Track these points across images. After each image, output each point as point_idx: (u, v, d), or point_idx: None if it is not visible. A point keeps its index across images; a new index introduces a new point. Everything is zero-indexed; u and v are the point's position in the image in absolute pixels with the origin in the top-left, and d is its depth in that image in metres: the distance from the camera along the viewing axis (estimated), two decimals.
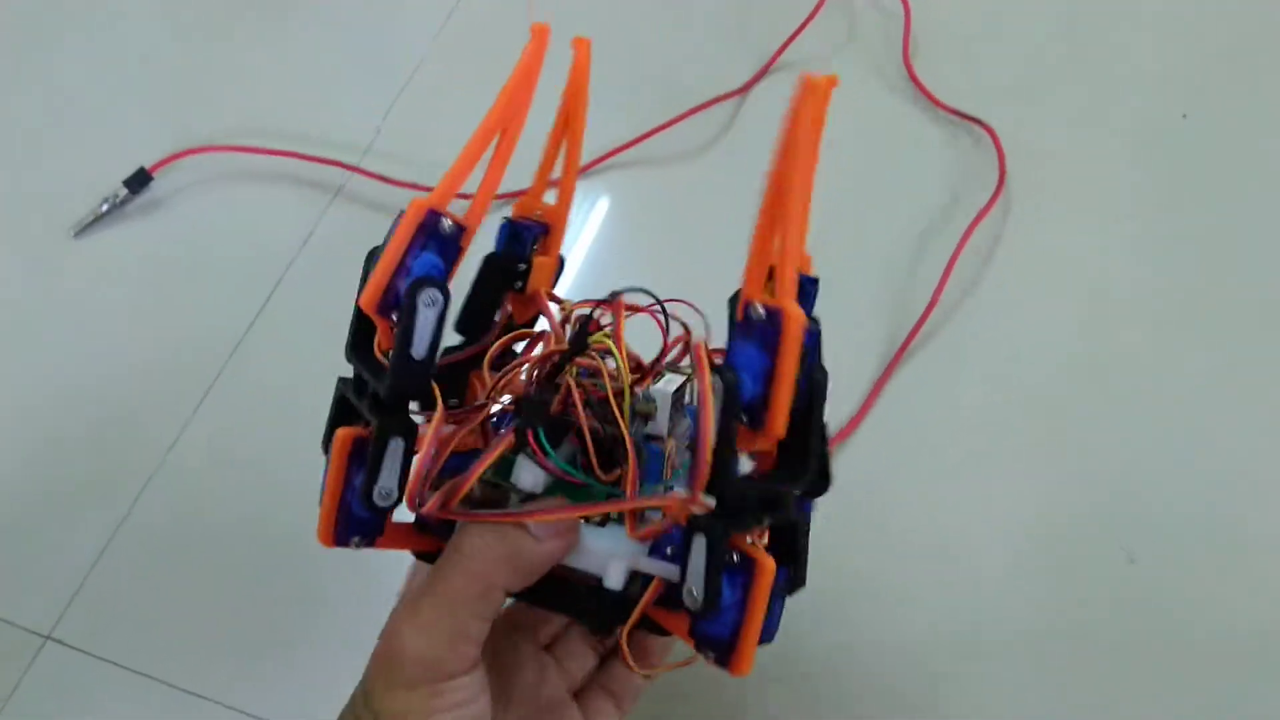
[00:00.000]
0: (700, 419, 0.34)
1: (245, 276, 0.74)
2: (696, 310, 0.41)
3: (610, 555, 0.38)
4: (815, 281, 0.40)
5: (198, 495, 0.66)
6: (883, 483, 0.63)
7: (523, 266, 0.43)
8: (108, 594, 0.63)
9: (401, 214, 0.38)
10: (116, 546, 0.64)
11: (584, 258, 0.74)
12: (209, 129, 0.81)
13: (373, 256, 0.39)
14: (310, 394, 0.68)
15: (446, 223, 0.37)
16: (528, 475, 0.39)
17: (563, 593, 0.40)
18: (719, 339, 0.38)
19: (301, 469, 0.66)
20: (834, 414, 0.65)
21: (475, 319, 0.43)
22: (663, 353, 0.41)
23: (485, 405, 0.40)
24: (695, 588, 0.35)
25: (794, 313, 0.33)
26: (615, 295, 0.41)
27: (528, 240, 0.43)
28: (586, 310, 0.41)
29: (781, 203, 0.33)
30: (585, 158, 0.76)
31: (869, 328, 0.68)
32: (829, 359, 0.65)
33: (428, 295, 0.35)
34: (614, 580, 0.38)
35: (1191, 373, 0.65)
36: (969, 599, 0.59)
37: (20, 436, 0.70)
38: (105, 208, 0.77)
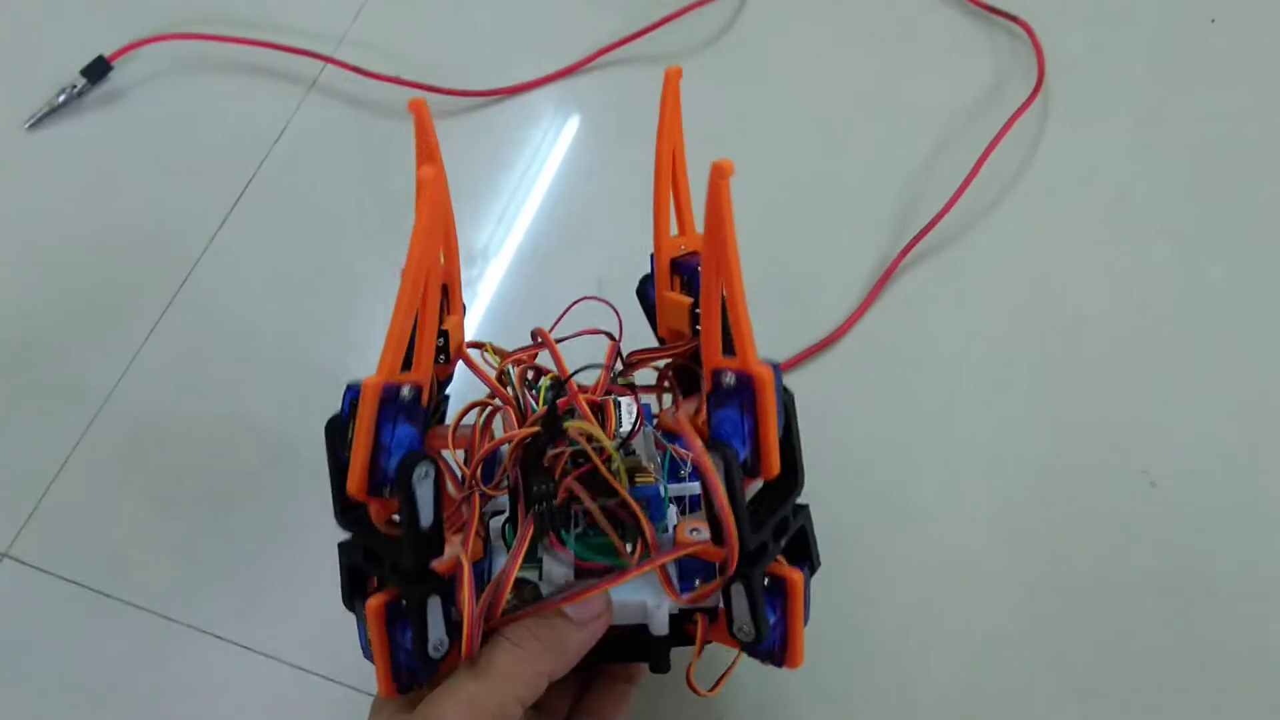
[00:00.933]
0: (714, 500, 0.36)
1: (216, 172, 0.70)
2: (613, 308, 0.45)
3: (649, 606, 0.41)
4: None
5: (164, 406, 0.63)
6: (887, 391, 0.61)
7: (440, 339, 0.43)
8: (68, 510, 0.60)
9: (352, 387, 0.40)
10: (78, 460, 0.61)
11: (565, 161, 0.70)
12: (173, 16, 0.75)
13: (333, 429, 0.41)
14: (288, 297, 0.65)
15: (404, 390, 0.37)
16: (558, 570, 0.41)
17: (609, 647, 0.41)
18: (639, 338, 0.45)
19: (276, 378, 0.63)
20: (836, 313, 0.63)
21: None
22: (637, 425, 0.42)
23: (473, 509, 0.40)
24: (746, 625, 0.38)
25: (762, 374, 0.37)
26: (537, 335, 0.44)
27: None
28: (521, 362, 0.44)
29: (728, 279, 0.36)
30: (573, 56, 0.72)
31: (885, 230, 0.65)
32: (842, 262, 0.62)
33: (420, 470, 0.36)
34: (661, 627, 0.41)
35: (1219, 288, 0.62)
36: (977, 517, 0.57)
37: None
38: (62, 99, 0.72)
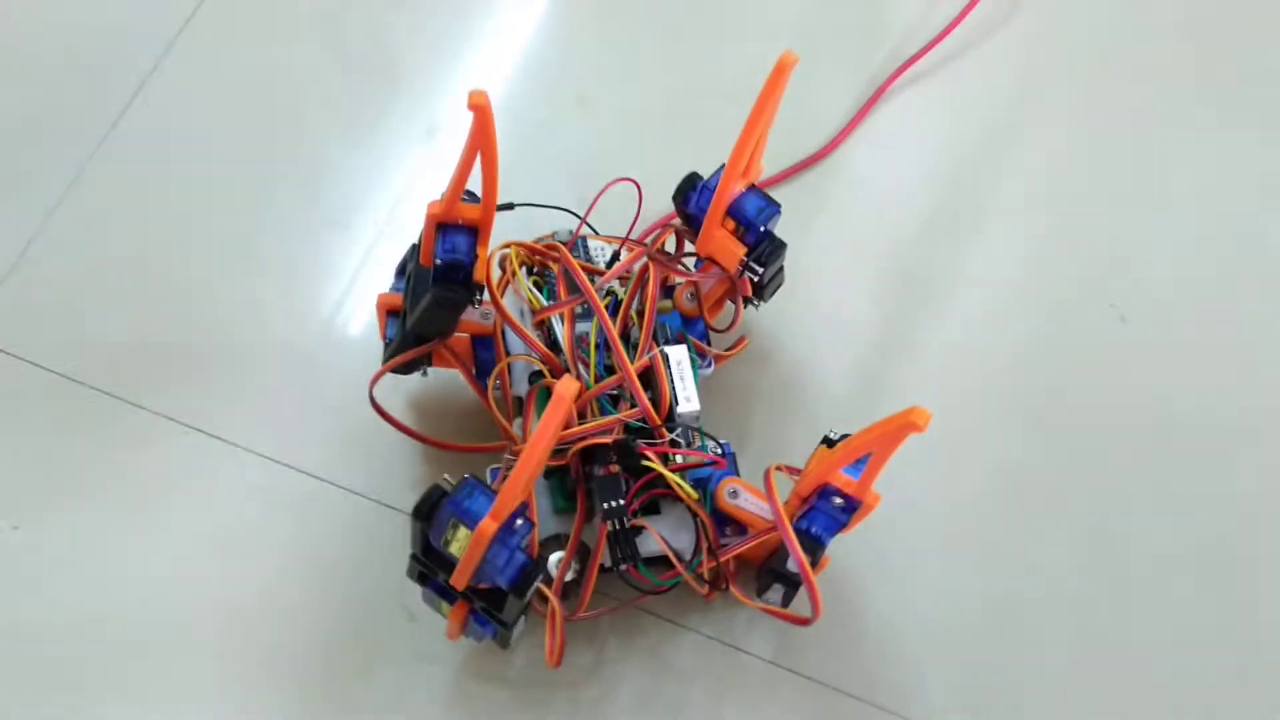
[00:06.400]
0: (803, 578, 0.43)
1: None
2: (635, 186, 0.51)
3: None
4: (777, 207, 0.48)
5: (141, 185, 0.60)
6: (865, 212, 0.62)
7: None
8: (32, 291, 0.57)
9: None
10: (44, 241, 0.59)
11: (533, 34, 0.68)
12: None
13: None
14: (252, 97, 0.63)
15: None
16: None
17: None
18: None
19: (261, 150, 0.61)
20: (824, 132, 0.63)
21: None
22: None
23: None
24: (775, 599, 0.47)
25: (871, 503, 0.43)
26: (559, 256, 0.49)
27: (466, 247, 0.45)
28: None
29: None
30: None
31: (869, 56, 0.66)
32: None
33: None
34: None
35: (1202, 129, 0.65)
36: (948, 338, 0.58)
37: None
38: None
